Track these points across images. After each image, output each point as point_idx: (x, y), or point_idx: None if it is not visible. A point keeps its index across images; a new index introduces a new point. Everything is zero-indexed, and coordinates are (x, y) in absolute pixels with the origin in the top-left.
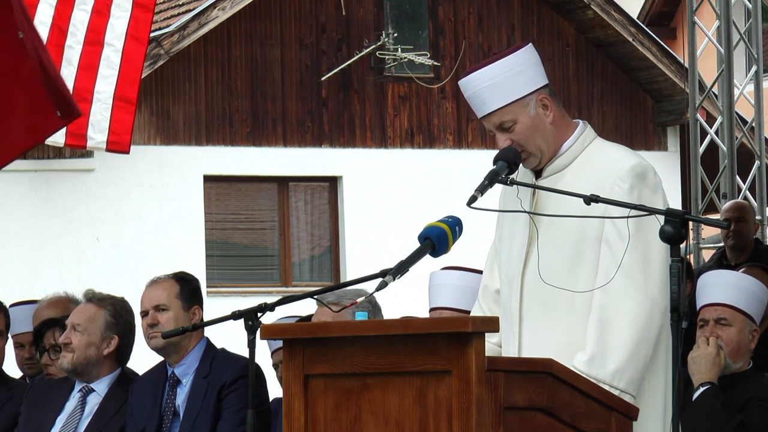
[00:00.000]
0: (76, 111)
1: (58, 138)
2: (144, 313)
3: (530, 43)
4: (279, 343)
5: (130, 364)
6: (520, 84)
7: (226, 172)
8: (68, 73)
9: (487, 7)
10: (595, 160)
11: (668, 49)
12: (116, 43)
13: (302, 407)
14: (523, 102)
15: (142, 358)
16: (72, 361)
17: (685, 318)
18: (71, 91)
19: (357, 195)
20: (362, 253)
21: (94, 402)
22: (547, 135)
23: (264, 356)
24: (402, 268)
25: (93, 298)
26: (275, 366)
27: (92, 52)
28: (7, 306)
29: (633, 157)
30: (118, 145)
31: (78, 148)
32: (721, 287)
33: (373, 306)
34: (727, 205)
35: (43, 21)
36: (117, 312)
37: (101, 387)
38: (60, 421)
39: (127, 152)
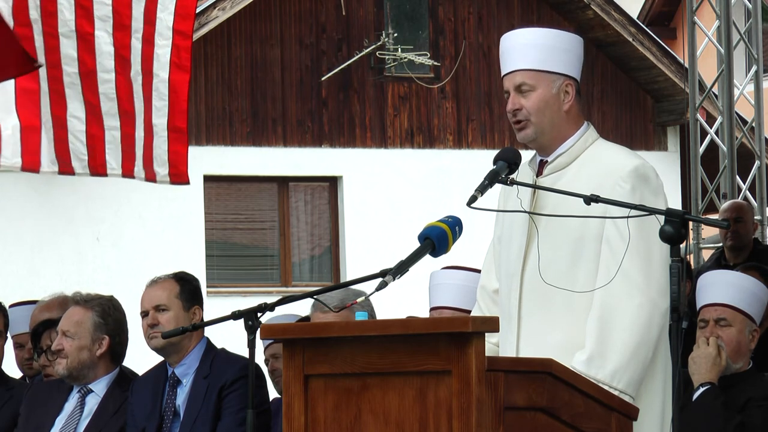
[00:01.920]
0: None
1: (140, 173)
2: (144, 314)
3: (582, 39)
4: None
5: (131, 364)
6: (558, 61)
7: (226, 172)
8: (140, 107)
9: (487, 7)
10: (596, 160)
11: (668, 49)
12: (162, 73)
13: (302, 407)
14: (552, 77)
15: (142, 358)
16: (66, 367)
17: (684, 318)
18: (143, 124)
19: (357, 195)
20: (362, 253)
21: (93, 402)
22: (556, 119)
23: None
24: (402, 268)
25: (80, 300)
26: (266, 360)
27: (146, 83)
28: (7, 306)
29: (635, 158)
30: (179, 177)
31: (152, 182)
32: (721, 287)
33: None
34: (725, 205)
35: (106, 50)
36: (104, 312)
37: (99, 387)
38: (59, 421)
39: (188, 183)
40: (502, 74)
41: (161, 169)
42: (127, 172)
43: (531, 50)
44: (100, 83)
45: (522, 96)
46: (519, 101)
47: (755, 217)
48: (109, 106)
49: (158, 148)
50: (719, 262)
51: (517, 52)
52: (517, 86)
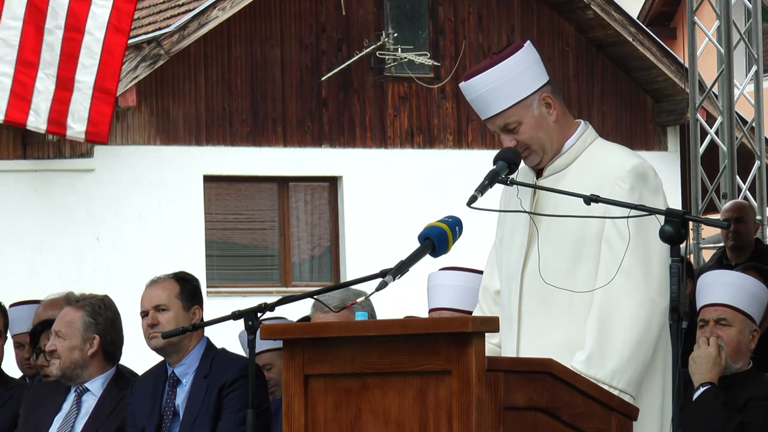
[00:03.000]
0: None
1: (39, 124)
2: (144, 313)
3: (528, 41)
4: (264, 345)
5: (131, 364)
6: (522, 85)
7: (226, 172)
8: (51, 59)
9: (487, 7)
10: (596, 160)
11: (668, 49)
12: (97, 32)
13: (302, 407)
14: (526, 102)
15: (142, 358)
16: (60, 367)
17: (685, 318)
18: (55, 78)
19: (357, 195)
20: (362, 253)
21: (90, 402)
22: (551, 133)
23: None
24: (402, 268)
25: (71, 300)
26: None
27: (73, 39)
28: (8, 306)
29: (634, 157)
30: (96, 135)
31: (58, 136)
32: (721, 287)
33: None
34: (726, 205)
35: None
36: (95, 311)
37: (96, 386)
38: (57, 420)
39: (106, 142)
40: (482, 119)
41: (77, 125)
42: (13, 119)
43: (495, 93)
44: (2, 29)
45: (512, 133)
46: (512, 138)
47: (756, 217)
48: (5, 53)
49: (78, 104)
50: (721, 262)
51: (484, 99)
52: (502, 127)
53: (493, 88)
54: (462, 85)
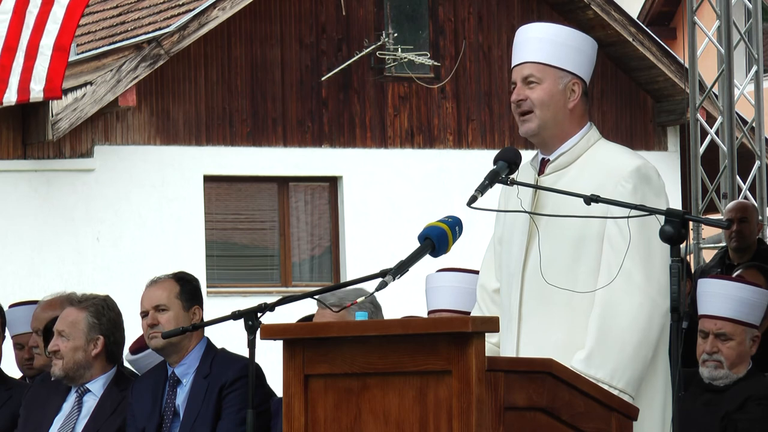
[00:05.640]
0: None
1: (11, 98)
2: (144, 314)
3: (595, 42)
4: None
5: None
6: (568, 58)
7: (226, 172)
8: (26, 36)
9: (487, 7)
10: (598, 160)
11: (668, 49)
12: None
13: (302, 407)
14: (560, 73)
15: None
16: (62, 368)
17: (685, 318)
18: (25, 50)
19: (357, 195)
20: (362, 253)
21: (90, 402)
22: (559, 115)
23: (264, 356)
24: (402, 268)
25: (74, 301)
26: None
27: (43, 12)
28: (8, 306)
29: (637, 158)
30: (52, 91)
31: (23, 102)
32: (721, 299)
33: (374, 306)
34: (730, 205)
35: None
36: (98, 312)
37: (97, 387)
38: (58, 421)
39: (60, 97)
40: (512, 65)
41: (37, 86)
42: None
43: (542, 44)
44: None
45: (528, 88)
46: (524, 92)
47: (758, 218)
48: None
49: (39, 66)
50: (723, 261)
51: (529, 44)
52: (524, 78)
53: (547, 39)
54: (521, 27)
